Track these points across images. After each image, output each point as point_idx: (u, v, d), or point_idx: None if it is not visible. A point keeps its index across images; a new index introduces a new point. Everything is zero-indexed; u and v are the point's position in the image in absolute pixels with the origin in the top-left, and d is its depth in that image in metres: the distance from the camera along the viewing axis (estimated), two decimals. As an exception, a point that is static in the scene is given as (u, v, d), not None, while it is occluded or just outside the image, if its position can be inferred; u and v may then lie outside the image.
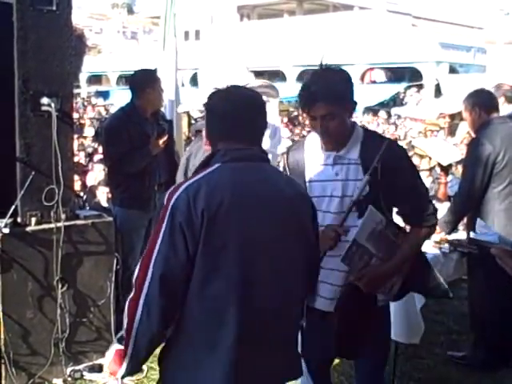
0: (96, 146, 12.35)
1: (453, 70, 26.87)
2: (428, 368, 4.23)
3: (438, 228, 4.68)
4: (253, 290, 1.90)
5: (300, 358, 2.16)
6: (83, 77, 31.36)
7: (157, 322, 1.85)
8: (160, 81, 4.65)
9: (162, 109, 5.24)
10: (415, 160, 8.48)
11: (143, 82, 4.48)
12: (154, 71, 4.72)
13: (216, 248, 1.85)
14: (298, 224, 2.04)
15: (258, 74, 16.98)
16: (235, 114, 1.99)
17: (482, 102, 4.15)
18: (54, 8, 3.60)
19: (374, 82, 28.44)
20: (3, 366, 3.53)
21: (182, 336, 1.93)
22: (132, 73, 4.68)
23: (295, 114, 21.95)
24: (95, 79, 37.52)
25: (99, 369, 3.78)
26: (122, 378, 1.99)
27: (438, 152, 5.85)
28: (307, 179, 2.63)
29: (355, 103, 2.54)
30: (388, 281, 2.63)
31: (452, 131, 13.16)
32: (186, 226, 1.82)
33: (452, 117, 14.31)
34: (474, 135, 4.26)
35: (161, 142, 4.45)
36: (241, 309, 1.87)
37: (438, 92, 23.25)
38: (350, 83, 2.50)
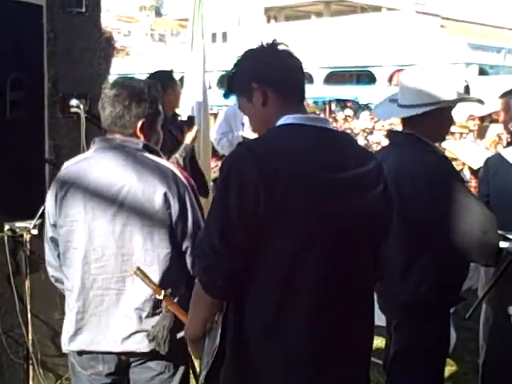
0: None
1: (482, 72, 26.50)
2: (458, 376, 4.16)
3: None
4: None
5: None
6: (112, 79, 31.62)
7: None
8: (177, 82, 4.67)
9: (190, 111, 5.27)
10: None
11: (164, 83, 4.43)
12: (171, 72, 4.68)
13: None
14: None
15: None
16: None
17: None
18: (84, 10, 3.63)
19: (402, 84, 28.17)
20: (31, 367, 3.55)
21: None
22: (152, 74, 4.57)
23: (322, 115, 21.85)
24: (123, 81, 37.87)
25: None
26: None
27: (468, 155, 5.75)
28: None
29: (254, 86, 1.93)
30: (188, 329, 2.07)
31: (481, 134, 12.97)
32: None
33: (482, 119, 14.12)
34: (508, 137, 4.15)
35: (194, 132, 4.41)
36: None
37: (467, 94, 22.97)
38: (248, 63, 2.00)
